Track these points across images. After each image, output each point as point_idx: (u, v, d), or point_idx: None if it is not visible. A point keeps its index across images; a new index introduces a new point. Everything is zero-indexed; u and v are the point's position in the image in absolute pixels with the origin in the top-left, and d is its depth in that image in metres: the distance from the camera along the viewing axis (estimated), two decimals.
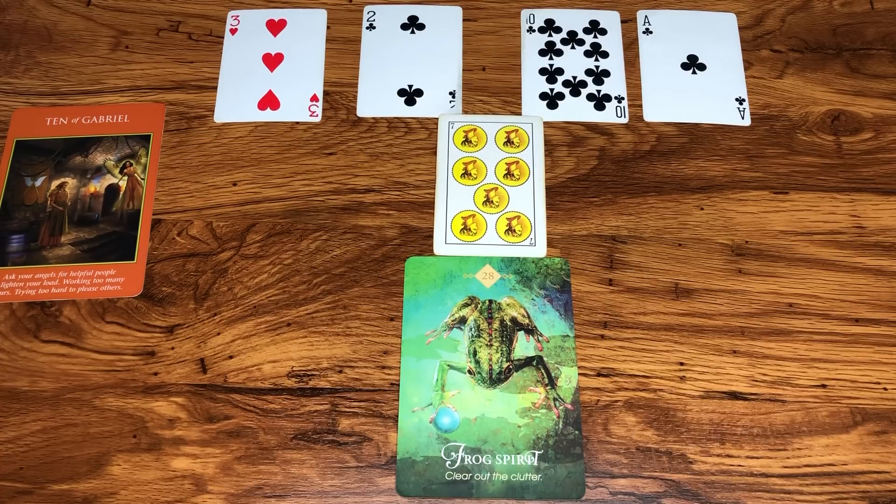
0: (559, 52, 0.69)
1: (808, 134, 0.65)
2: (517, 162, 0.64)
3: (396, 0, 0.72)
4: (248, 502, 0.53)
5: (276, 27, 0.70)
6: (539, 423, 0.54)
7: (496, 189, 0.63)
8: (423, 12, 0.71)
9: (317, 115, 0.66)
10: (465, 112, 0.66)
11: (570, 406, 0.55)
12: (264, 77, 0.68)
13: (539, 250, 0.60)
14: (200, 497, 0.53)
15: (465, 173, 0.63)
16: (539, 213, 0.62)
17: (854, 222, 0.62)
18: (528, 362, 0.56)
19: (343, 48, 0.69)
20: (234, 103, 0.67)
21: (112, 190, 0.63)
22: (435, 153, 0.65)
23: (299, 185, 0.63)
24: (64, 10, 0.71)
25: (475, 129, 0.65)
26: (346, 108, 0.67)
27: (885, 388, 0.56)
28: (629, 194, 0.63)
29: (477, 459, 0.54)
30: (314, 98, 0.67)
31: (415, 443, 0.54)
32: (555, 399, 0.55)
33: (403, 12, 0.71)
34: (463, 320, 0.58)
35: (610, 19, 0.70)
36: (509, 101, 0.67)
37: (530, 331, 0.57)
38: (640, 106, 0.67)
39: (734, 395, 0.56)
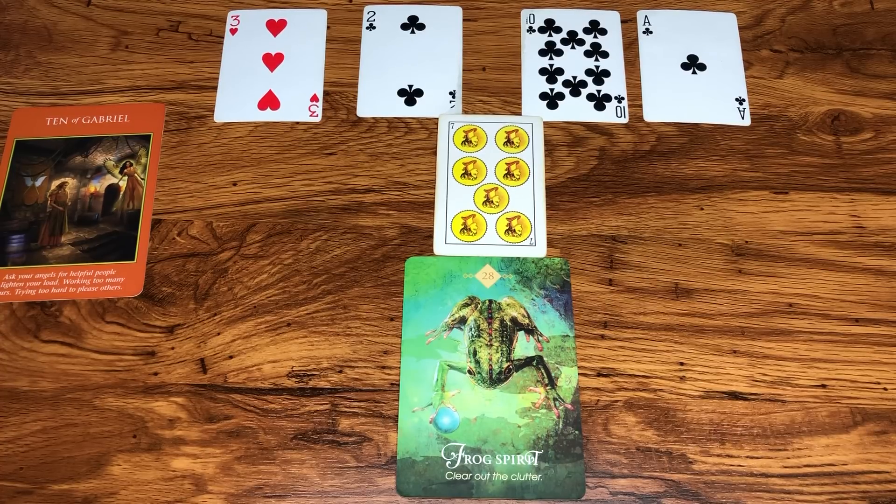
0: (559, 52, 0.69)
1: (808, 134, 0.65)
2: (517, 162, 0.64)
3: (396, 0, 0.71)
4: (248, 502, 0.53)
5: (276, 27, 0.70)
6: (539, 423, 0.54)
7: (496, 189, 0.63)
8: (423, 12, 0.71)
9: (317, 115, 0.66)
10: (465, 112, 0.66)
11: (570, 406, 0.55)
12: (264, 77, 0.68)
13: (539, 250, 0.60)
14: (200, 497, 0.53)
15: (465, 173, 0.63)
16: (539, 213, 0.62)
17: (854, 222, 0.62)
18: (528, 362, 0.56)
19: (343, 48, 0.69)
20: (234, 103, 0.67)
21: (112, 190, 0.63)
22: (435, 153, 0.65)
23: (299, 185, 0.63)
24: (64, 10, 0.71)
25: (475, 129, 0.65)
26: (346, 108, 0.67)
27: (885, 388, 0.56)
28: (629, 194, 0.63)
29: (477, 459, 0.54)
30: (314, 98, 0.67)
31: (415, 443, 0.54)
32: (555, 399, 0.55)
33: (403, 12, 0.71)
34: (463, 320, 0.58)
35: (610, 19, 0.70)
36: (509, 101, 0.67)
37: (530, 331, 0.57)
38: (640, 106, 0.66)
39: (734, 395, 0.56)
